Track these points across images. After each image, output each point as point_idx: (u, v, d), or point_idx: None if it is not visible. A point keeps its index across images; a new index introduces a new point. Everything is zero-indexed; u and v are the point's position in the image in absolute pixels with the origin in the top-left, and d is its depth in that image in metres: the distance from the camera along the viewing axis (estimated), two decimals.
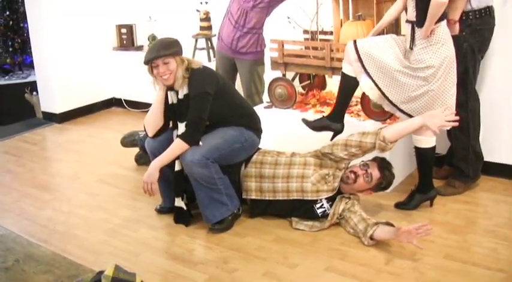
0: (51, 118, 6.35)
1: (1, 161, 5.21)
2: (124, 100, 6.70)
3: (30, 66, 7.90)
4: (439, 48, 3.47)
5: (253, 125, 3.83)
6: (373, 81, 3.67)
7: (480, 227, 3.63)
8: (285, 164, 3.74)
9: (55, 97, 6.29)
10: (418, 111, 3.62)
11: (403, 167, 4.27)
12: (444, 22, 3.48)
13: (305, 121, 3.99)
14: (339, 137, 3.81)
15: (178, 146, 3.52)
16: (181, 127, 3.59)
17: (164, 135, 3.74)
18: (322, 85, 4.91)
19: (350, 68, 3.76)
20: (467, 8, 3.71)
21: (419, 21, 3.44)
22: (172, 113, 3.68)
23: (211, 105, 3.55)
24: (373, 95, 3.75)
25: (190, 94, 3.54)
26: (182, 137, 3.53)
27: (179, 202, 3.75)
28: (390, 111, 3.81)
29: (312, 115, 4.36)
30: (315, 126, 3.96)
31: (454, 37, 3.58)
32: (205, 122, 3.58)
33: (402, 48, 3.65)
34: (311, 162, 3.71)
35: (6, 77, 7.79)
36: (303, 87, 4.86)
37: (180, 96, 3.59)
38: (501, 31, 3.94)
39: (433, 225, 3.40)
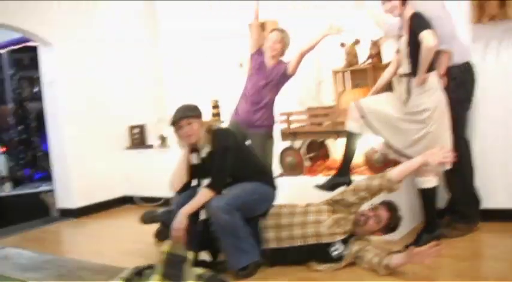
0: (67, 214, 6.65)
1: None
2: (136, 197, 7.03)
3: (40, 180, 8.31)
4: (433, 94, 3.94)
5: (269, 181, 4.19)
6: (378, 133, 4.10)
7: (487, 254, 3.90)
8: (300, 213, 4.03)
9: (72, 193, 6.64)
10: (420, 154, 3.97)
11: (409, 220, 4.53)
12: (434, 72, 3.98)
13: (318, 186, 4.31)
14: None
15: (204, 193, 3.88)
16: (206, 181, 3.96)
17: (189, 191, 4.08)
18: (327, 155, 5.32)
19: (355, 125, 4.20)
20: (450, 63, 4.24)
21: (414, 71, 3.94)
22: (195, 172, 4.07)
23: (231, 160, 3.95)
24: (379, 145, 4.16)
25: (214, 150, 3.95)
26: (208, 186, 3.90)
27: (203, 255, 4.02)
28: (395, 158, 4.17)
29: (321, 179, 4.70)
30: (328, 186, 4.28)
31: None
32: (227, 174, 3.96)
33: (399, 101, 4.12)
34: (324, 209, 4.01)
35: (18, 188, 8.11)
36: (310, 159, 5.27)
37: (203, 154, 4.01)
38: (486, 83, 4.47)
39: (442, 258, 3.64)
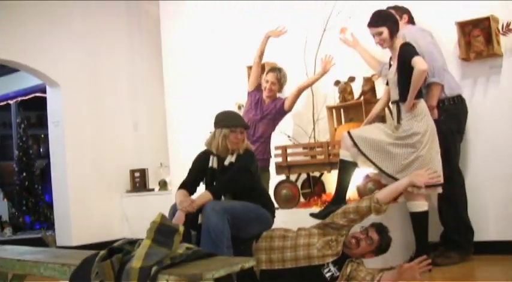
0: None
1: None
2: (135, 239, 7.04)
3: (40, 231, 8.38)
4: (422, 119, 4.10)
5: (269, 206, 4.26)
6: (369, 160, 4.23)
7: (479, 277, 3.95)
8: (292, 236, 4.04)
9: (71, 233, 6.73)
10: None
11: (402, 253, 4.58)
12: (423, 99, 4.15)
13: (313, 215, 4.39)
14: None
15: (204, 195, 3.94)
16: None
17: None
18: (323, 191, 5.40)
19: (347, 153, 4.33)
20: (442, 96, 4.43)
21: (403, 97, 4.11)
22: (210, 176, 4.15)
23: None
24: (374, 174, 4.30)
25: (237, 163, 4.06)
26: (211, 189, 3.98)
27: None
28: (387, 183, 4.23)
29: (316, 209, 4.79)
30: (322, 214, 4.33)
31: (434, 121, 4.22)
32: (233, 189, 4.06)
33: (390, 128, 4.27)
34: (315, 233, 4.03)
35: (18, 233, 8.18)
36: (304, 195, 5.36)
37: (226, 162, 4.11)
38: (476, 118, 4.63)
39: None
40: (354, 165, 4.35)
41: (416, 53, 4.04)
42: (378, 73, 4.96)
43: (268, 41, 5.28)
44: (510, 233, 4.57)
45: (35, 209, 8.64)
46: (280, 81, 5.28)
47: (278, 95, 5.34)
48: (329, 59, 5.05)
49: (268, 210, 4.21)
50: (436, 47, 4.47)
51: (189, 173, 4.24)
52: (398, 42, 4.20)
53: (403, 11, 4.66)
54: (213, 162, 4.15)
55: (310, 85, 5.18)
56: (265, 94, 5.26)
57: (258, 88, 5.36)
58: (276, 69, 5.32)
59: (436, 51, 4.42)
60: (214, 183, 4.06)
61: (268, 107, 5.20)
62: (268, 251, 4.00)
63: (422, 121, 4.10)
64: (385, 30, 4.17)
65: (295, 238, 4.01)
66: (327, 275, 3.88)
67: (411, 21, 4.73)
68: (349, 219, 3.96)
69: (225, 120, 4.07)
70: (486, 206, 4.67)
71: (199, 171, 4.19)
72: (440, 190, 4.17)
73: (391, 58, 4.34)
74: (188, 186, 4.17)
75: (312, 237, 3.99)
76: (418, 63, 3.95)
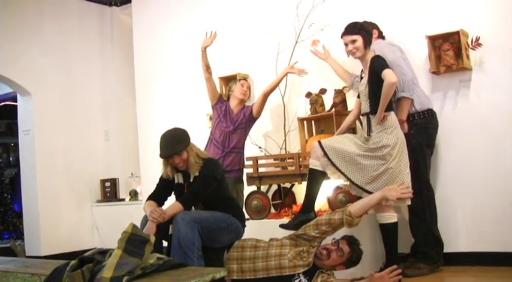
0: None
1: None
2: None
3: (9, 240, 8.25)
4: (392, 131, 4.13)
5: (239, 216, 4.29)
6: (339, 170, 4.25)
7: None
8: (263, 247, 4.07)
9: (40, 242, 6.66)
10: (380, 189, 4.11)
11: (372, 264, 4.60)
12: (393, 112, 4.20)
13: (283, 226, 4.39)
14: None
15: (174, 206, 3.95)
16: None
17: None
18: (293, 202, 5.43)
19: (317, 162, 4.34)
20: (412, 110, 4.49)
21: (374, 109, 4.16)
22: (178, 191, 4.18)
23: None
24: (345, 185, 4.33)
25: (201, 174, 4.08)
26: (180, 200, 3.99)
27: None
28: (357, 194, 4.29)
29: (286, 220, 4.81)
30: (293, 224, 4.34)
31: (404, 135, 4.25)
32: (202, 199, 4.09)
33: (360, 139, 4.31)
34: (287, 243, 4.06)
35: None
36: (275, 206, 5.36)
37: (192, 178, 4.13)
38: (446, 131, 4.71)
39: None
40: (323, 174, 4.36)
41: (387, 66, 4.09)
42: (349, 85, 5.01)
43: (207, 52, 5.28)
44: (479, 245, 4.63)
45: (4, 219, 8.53)
46: (250, 89, 5.36)
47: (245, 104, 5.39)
48: (294, 65, 5.16)
49: (239, 220, 4.23)
50: (405, 61, 4.52)
51: (156, 187, 4.28)
52: (370, 54, 4.25)
53: (373, 26, 4.70)
54: (178, 178, 4.19)
55: (273, 88, 5.21)
56: (235, 102, 5.30)
57: (221, 100, 5.40)
58: (245, 78, 5.46)
59: (405, 65, 4.47)
60: (183, 194, 4.08)
61: (238, 117, 5.23)
62: (239, 260, 4.02)
63: (392, 134, 4.13)
64: (359, 38, 4.21)
65: (266, 248, 4.04)
66: None
67: (381, 36, 4.80)
68: (321, 231, 3.99)
69: (160, 150, 4.10)
70: (456, 219, 4.73)
71: (166, 187, 4.24)
72: (409, 202, 4.21)
73: (362, 70, 4.39)
74: (156, 198, 4.20)
75: (284, 247, 4.01)
76: (388, 75, 4.00)
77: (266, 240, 4.15)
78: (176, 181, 4.20)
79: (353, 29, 4.26)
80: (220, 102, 5.37)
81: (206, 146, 5.39)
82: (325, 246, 3.98)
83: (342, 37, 4.31)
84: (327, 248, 3.96)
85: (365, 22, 4.57)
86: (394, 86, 4.05)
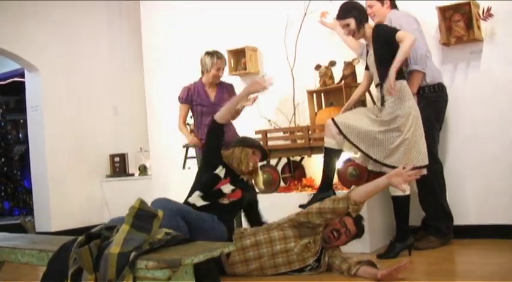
0: None
1: None
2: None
3: (19, 217, 8.29)
4: (406, 101, 4.07)
5: (227, 221, 4.15)
6: (356, 146, 4.21)
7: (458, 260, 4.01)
8: (265, 242, 3.94)
9: (50, 218, 6.70)
10: (399, 162, 4.04)
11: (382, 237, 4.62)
12: (405, 81, 4.14)
13: (303, 206, 4.21)
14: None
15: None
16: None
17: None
18: (303, 175, 5.40)
19: (332, 141, 4.28)
20: (422, 83, 4.43)
21: (384, 76, 4.07)
22: (212, 180, 4.20)
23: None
24: (358, 158, 4.28)
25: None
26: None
27: None
28: (374, 169, 4.22)
29: (296, 195, 4.78)
30: (312, 204, 4.17)
31: None
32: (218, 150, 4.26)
33: (373, 112, 4.25)
34: (290, 235, 3.93)
35: None
36: (284, 180, 5.34)
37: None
38: (456, 103, 4.66)
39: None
40: (339, 152, 4.32)
41: (396, 29, 4.04)
42: (359, 56, 4.93)
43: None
44: (489, 217, 4.61)
45: (13, 195, 8.56)
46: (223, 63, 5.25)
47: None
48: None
49: (225, 225, 4.06)
50: (421, 34, 4.45)
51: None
52: (369, 30, 4.20)
53: None
54: (220, 172, 4.17)
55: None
56: (210, 80, 5.18)
57: (190, 91, 5.29)
58: (222, 55, 5.24)
59: (421, 38, 4.41)
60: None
61: (219, 100, 5.10)
62: (243, 263, 3.94)
63: (406, 103, 4.06)
64: (352, 21, 4.20)
65: (269, 243, 3.94)
66: (307, 268, 3.90)
67: (393, 6, 4.71)
68: (325, 219, 3.85)
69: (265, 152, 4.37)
70: (466, 192, 4.71)
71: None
72: (425, 171, 4.16)
73: (367, 45, 4.33)
74: None
75: (288, 240, 3.92)
76: (404, 35, 3.96)
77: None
78: (217, 172, 4.19)
79: (344, 13, 4.25)
80: (188, 93, 5.30)
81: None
82: (332, 229, 3.90)
83: (336, 20, 4.31)
84: (336, 228, 3.89)
85: None
86: (414, 42, 4.00)
